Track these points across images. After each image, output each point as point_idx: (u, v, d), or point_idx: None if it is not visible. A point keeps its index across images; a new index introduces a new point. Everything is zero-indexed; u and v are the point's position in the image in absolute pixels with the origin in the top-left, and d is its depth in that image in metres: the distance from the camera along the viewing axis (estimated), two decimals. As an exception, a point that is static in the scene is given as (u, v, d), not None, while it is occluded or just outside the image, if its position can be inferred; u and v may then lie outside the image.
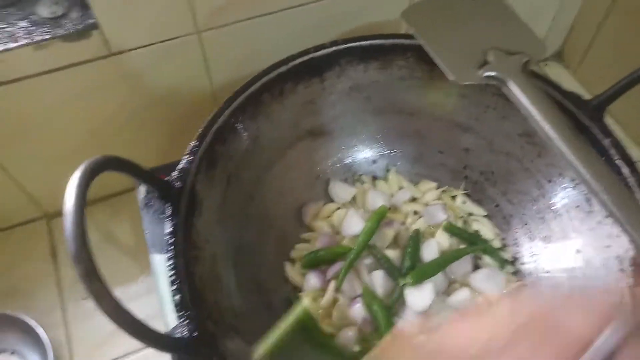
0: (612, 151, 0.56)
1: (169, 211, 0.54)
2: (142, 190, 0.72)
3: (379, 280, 0.62)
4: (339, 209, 0.71)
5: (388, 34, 0.66)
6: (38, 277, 0.74)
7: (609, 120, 0.60)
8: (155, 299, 0.63)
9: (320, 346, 0.61)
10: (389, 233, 0.65)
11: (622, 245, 0.55)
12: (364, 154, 0.75)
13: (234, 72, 0.71)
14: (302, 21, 0.69)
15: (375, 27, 0.74)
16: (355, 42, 0.65)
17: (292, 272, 0.66)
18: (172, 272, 0.50)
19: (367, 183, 0.74)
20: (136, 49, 0.63)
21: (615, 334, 0.30)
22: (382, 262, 0.63)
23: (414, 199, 0.72)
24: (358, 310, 0.61)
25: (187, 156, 0.57)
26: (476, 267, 0.66)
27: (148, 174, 0.52)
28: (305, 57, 0.64)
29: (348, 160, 0.74)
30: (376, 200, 0.69)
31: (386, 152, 0.75)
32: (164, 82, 0.69)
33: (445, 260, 0.64)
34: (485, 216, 0.71)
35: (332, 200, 0.72)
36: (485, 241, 0.68)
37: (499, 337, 0.33)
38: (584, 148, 0.49)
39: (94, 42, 0.60)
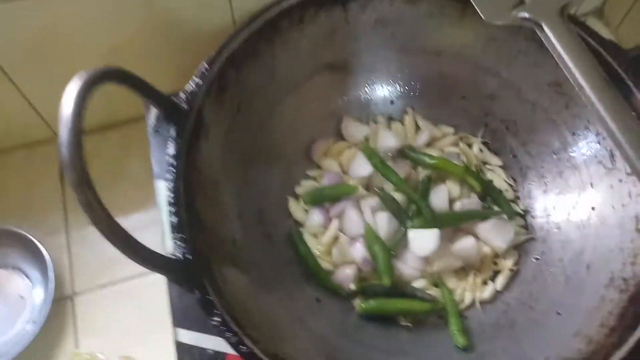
0: (646, 106, 0.53)
1: (173, 132, 0.53)
2: (152, 116, 0.71)
3: (383, 222, 0.61)
4: (349, 148, 0.69)
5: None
6: (45, 198, 0.74)
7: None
8: (159, 229, 0.63)
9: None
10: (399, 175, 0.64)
11: (641, 204, 0.52)
12: (382, 92, 0.71)
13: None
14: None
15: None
16: (383, -31, 0.61)
17: (296, 207, 0.65)
18: (172, 194, 0.50)
19: (382, 123, 0.71)
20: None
21: None
22: (389, 204, 0.62)
23: (429, 144, 0.70)
24: (358, 250, 0.60)
25: (197, 78, 0.55)
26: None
27: (154, 91, 0.51)
28: (328, -17, 0.60)
29: (365, 99, 0.71)
30: (388, 140, 0.66)
31: (406, 93, 0.71)
32: (184, 4, 0.66)
33: (457, 218, 0.62)
34: (501, 167, 0.68)
35: (343, 139, 0.70)
36: (499, 191, 0.65)
37: None
38: (616, 99, 0.46)
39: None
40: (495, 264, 0.62)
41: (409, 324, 0.59)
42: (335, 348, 0.55)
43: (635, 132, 0.44)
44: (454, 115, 0.71)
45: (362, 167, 0.65)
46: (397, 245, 0.61)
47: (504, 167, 0.68)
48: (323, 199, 0.64)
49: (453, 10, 0.63)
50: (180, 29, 0.69)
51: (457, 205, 0.63)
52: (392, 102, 0.72)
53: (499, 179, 0.67)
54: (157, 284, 0.63)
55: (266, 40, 0.60)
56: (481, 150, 0.69)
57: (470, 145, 0.70)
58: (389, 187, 0.64)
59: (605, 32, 0.92)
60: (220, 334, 0.46)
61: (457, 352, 0.56)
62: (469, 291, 0.60)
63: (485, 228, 0.61)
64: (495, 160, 0.68)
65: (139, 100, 0.59)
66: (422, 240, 0.59)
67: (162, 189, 0.63)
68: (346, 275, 0.60)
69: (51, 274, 0.64)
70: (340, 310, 0.60)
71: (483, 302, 0.60)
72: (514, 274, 0.62)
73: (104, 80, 0.43)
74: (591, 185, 0.59)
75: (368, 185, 0.66)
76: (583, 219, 0.59)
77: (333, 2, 0.63)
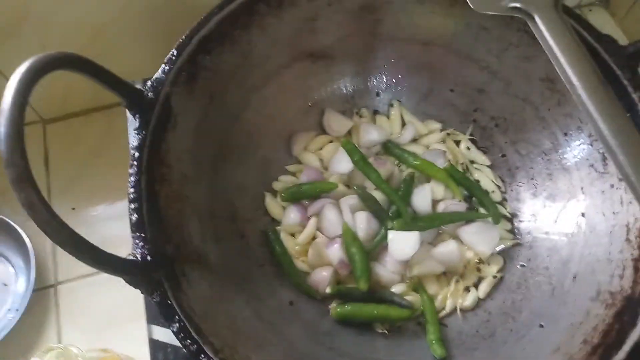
0: (641, 107, 0.49)
1: (137, 123, 0.49)
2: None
3: (362, 222, 0.58)
4: (331, 142, 0.66)
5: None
6: None
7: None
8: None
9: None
10: (381, 173, 0.60)
11: (632, 213, 0.49)
12: (367, 84, 0.68)
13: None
14: None
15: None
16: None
17: (272, 203, 0.62)
18: (132, 189, 0.46)
19: (366, 117, 0.67)
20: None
21: None
22: (369, 203, 0.59)
23: (414, 140, 0.66)
24: (335, 251, 0.57)
25: (164, 65, 0.51)
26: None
27: (114, 78, 0.47)
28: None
29: (348, 90, 0.68)
30: (371, 135, 0.63)
31: (392, 85, 0.68)
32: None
33: (440, 219, 0.59)
34: (489, 166, 0.65)
35: (325, 132, 0.67)
36: (486, 193, 0.62)
37: None
38: (608, 99, 0.42)
39: None
40: (479, 270, 0.59)
41: (385, 331, 0.56)
42: (305, 354, 0.52)
43: (628, 136, 0.41)
44: (442, 109, 0.67)
45: (342, 163, 0.62)
46: (376, 247, 0.58)
47: (492, 167, 0.65)
48: (301, 196, 0.61)
49: (443, -3, 0.60)
50: (168, 8, 0.66)
51: (441, 207, 0.60)
52: (377, 94, 0.69)
53: (486, 179, 0.64)
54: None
55: (242, 25, 0.56)
56: (469, 148, 0.66)
57: (457, 143, 0.67)
58: (370, 185, 0.61)
59: (610, 23, 0.89)
60: (179, 341, 0.43)
61: (434, 362, 0.53)
62: (450, 298, 0.57)
63: (469, 231, 0.59)
64: (483, 159, 0.65)
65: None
66: (402, 243, 0.56)
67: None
68: (322, 278, 0.57)
69: (33, 262, 0.63)
70: (315, 315, 0.57)
71: (464, 310, 0.58)
72: (498, 281, 0.59)
73: (53, 69, 0.39)
74: (582, 189, 0.56)
75: (349, 183, 0.63)
76: (572, 225, 0.56)
77: (316, -16, 0.59)
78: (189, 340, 0.43)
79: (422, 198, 0.60)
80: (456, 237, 0.59)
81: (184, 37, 0.53)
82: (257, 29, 0.58)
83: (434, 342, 0.53)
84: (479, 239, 0.58)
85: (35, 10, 0.60)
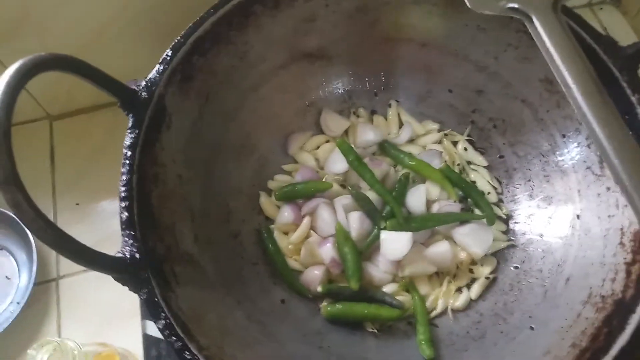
0: (639, 110, 0.48)
1: (130, 122, 0.50)
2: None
3: (355, 222, 0.58)
4: (328, 142, 0.66)
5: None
6: (35, 178, 0.73)
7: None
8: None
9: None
10: (376, 173, 0.60)
11: (627, 217, 0.49)
12: (364, 84, 0.68)
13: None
14: None
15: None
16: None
17: (267, 202, 0.62)
18: (123, 188, 0.47)
19: (363, 117, 0.67)
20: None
21: None
22: (362, 203, 0.59)
23: (411, 140, 0.66)
24: (328, 250, 0.57)
25: (159, 65, 0.52)
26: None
27: (107, 78, 0.48)
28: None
29: (346, 90, 0.68)
30: (367, 135, 0.63)
31: (390, 86, 0.68)
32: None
33: (433, 220, 0.59)
34: (486, 167, 0.65)
35: (322, 132, 0.67)
36: (481, 194, 0.62)
37: None
38: (603, 103, 0.41)
39: None
40: (472, 271, 0.59)
41: (376, 331, 0.56)
42: (294, 354, 0.52)
43: (622, 141, 0.40)
44: (440, 110, 0.67)
45: (338, 163, 0.62)
46: (369, 247, 0.58)
47: (489, 168, 0.65)
48: (296, 195, 0.61)
49: (440, -3, 0.59)
50: (168, 9, 0.66)
51: (435, 207, 0.60)
52: (375, 94, 0.68)
53: (482, 180, 0.63)
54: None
55: (237, 25, 0.57)
56: (466, 149, 0.65)
57: (455, 144, 0.66)
58: (365, 186, 0.61)
59: (622, 22, 0.87)
60: (165, 338, 0.44)
61: (423, 363, 0.53)
62: (441, 298, 0.57)
63: (462, 232, 0.58)
64: (480, 160, 0.65)
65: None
66: (395, 243, 0.56)
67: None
68: (314, 276, 0.58)
69: (35, 256, 0.64)
70: (306, 313, 0.57)
71: (455, 311, 0.57)
72: (491, 283, 0.58)
73: (42, 70, 0.40)
74: (578, 192, 0.55)
75: (345, 183, 0.63)
76: (567, 228, 0.55)
77: (312, -16, 0.59)
78: (174, 337, 0.43)
79: (417, 198, 0.59)
80: (449, 238, 0.59)
81: (179, 37, 0.54)
82: (254, 29, 0.58)
83: (423, 342, 0.53)
84: (473, 240, 0.57)
85: (35, 11, 0.61)
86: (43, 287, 0.67)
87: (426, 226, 0.58)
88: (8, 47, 0.65)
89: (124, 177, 0.48)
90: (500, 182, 0.64)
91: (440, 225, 0.59)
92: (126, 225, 0.46)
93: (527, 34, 0.56)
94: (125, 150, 0.49)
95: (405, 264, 0.57)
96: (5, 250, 0.69)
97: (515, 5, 0.47)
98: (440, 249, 0.57)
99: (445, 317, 0.57)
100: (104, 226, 0.70)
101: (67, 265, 0.68)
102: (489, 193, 0.62)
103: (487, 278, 0.58)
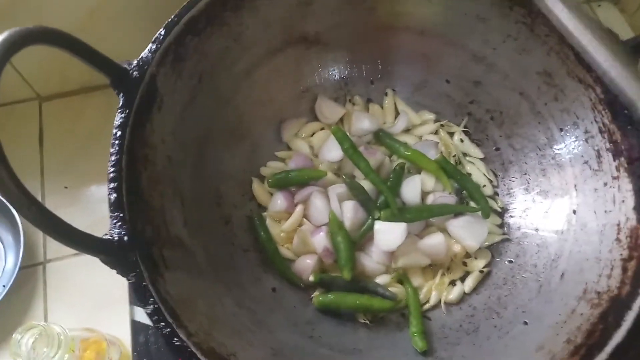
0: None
1: (121, 102, 0.48)
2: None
3: (349, 211, 0.57)
4: (322, 129, 0.65)
5: None
6: (23, 160, 0.72)
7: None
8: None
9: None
10: (371, 162, 0.59)
11: (624, 212, 0.48)
12: (361, 72, 0.67)
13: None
14: None
15: None
16: None
17: (259, 189, 0.61)
18: (112, 169, 0.46)
19: (359, 105, 0.66)
20: None
21: None
22: (356, 192, 0.58)
23: (407, 130, 0.65)
24: (320, 239, 0.56)
25: (151, 45, 0.50)
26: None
27: (97, 56, 0.46)
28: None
29: (342, 77, 0.67)
30: (362, 123, 0.62)
31: (386, 74, 0.67)
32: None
33: (428, 211, 0.58)
34: (482, 159, 0.64)
35: (316, 119, 0.65)
36: (477, 186, 0.61)
37: None
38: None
39: None
40: (466, 264, 0.58)
41: (368, 322, 0.55)
42: (285, 343, 0.51)
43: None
44: (437, 100, 0.66)
45: (332, 151, 0.61)
46: (362, 237, 0.57)
47: (485, 160, 0.64)
48: (289, 183, 0.60)
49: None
50: None
51: (430, 199, 0.59)
52: (371, 82, 0.67)
53: (478, 172, 0.63)
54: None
55: (232, 6, 0.55)
56: (462, 141, 0.64)
57: (451, 135, 0.65)
58: (360, 175, 0.60)
59: (620, 19, 0.87)
60: (153, 323, 0.43)
61: (414, 355, 0.52)
62: (435, 291, 0.57)
63: (457, 225, 0.57)
64: (476, 152, 0.64)
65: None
66: (388, 234, 0.55)
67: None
68: (306, 265, 0.57)
69: (22, 239, 0.63)
70: (297, 303, 0.57)
71: (449, 304, 0.57)
72: (485, 276, 0.58)
73: (29, 43, 0.38)
74: (575, 186, 0.54)
75: (339, 171, 0.62)
76: (562, 223, 0.54)
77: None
78: (162, 323, 0.42)
79: (412, 189, 0.59)
80: (444, 230, 0.58)
81: (172, 16, 0.52)
82: (249, 10, 0.57)
83: (415, 334, 0.52)
84: (467, 232, 0.57)
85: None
86: (30, 270, 0.65)
87: (421, 217, 0.57)
88: (2, 28, 0.62)
89: (113, 158, 0.46)
90: (496, 175, 0.63)
91: (434, 216, 0.58)
92: (114, 206, 0.44)
93: (526, 25, 0.55)
94: (115, 130, 0.47)
95: (399, 255, 0.56)
96: None
97: None
98: (434, 241, 0.56)
99: (439, 310, 0.57)
100: (93, 210, 0.69)
101: (55, 249, 0.67)
102: (484, 186, 0.62)
103: (481, 271, 0.57)
